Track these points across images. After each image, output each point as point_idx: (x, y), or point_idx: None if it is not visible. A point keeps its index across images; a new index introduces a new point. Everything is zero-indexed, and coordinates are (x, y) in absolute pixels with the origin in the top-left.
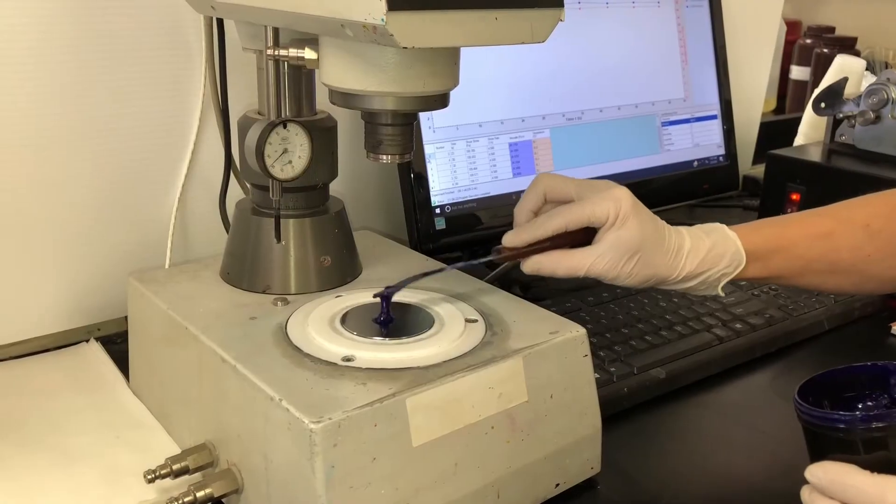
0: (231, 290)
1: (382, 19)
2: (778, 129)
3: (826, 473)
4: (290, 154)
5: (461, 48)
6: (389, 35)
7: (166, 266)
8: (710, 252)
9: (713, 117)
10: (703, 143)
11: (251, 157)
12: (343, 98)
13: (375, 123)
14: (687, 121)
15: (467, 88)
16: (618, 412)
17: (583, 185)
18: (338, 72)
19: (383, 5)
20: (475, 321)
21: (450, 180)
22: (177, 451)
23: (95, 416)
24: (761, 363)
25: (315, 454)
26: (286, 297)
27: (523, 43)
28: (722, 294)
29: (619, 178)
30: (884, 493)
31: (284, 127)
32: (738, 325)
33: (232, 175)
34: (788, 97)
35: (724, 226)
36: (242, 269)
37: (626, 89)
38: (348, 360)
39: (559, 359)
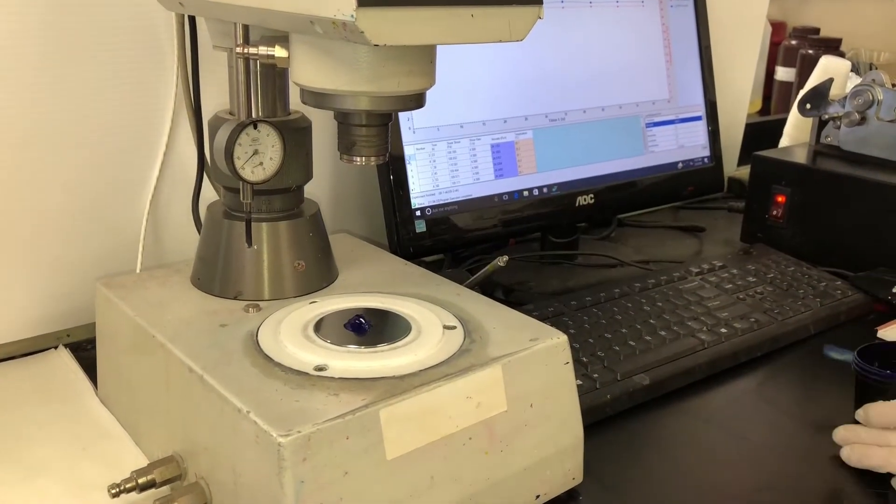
0: (202, 296)
1: (352, 15)
2: (763, 131)
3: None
4: (262, 155)
5: (437, 46)
6: (360, 32)
7: (137, 270)
8: None
9: (698, 118)
10: (688, 144)
11: (220, 159)
12: (315, 98)
13: (349, 124)
14: (672, 122)
15: (448, 89)
16: (600, 420)
17: None
18: (309, 71)
19: (353, 1)
20: (453, 328)
21: (430, 182)
22: (145, 462)
23: (61, 426)
24: (747, 368)
25: (283, 469)
26: (258, 303)
27: (501, 41)
28: None
29: (602, 180)
30: None
31: (255, 127)
32: (724, 330)
33: (206, 177)
34: (774, 98)
35: None
36: (213, 275)
37: (609, 90)
38: (321, 369)
39: (540, 367)
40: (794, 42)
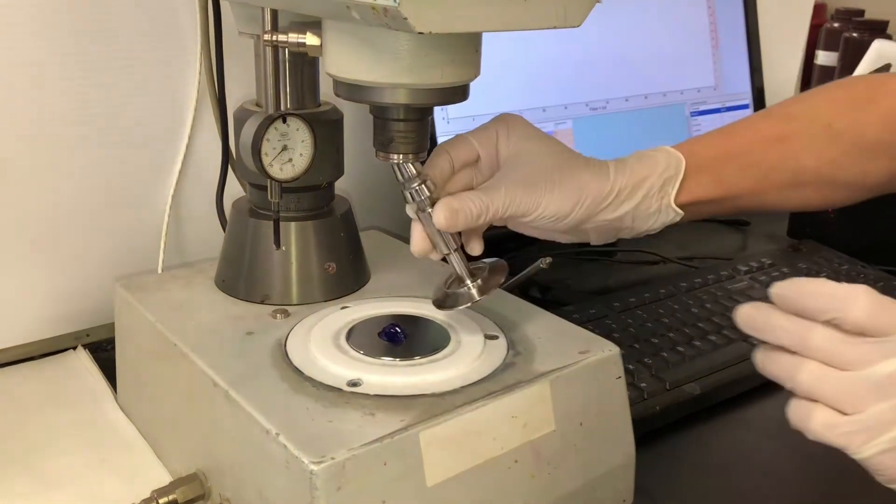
0: (226, 299)
1: (395, 0)
2: None
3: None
4: (291, 151)
5: (484, 34)
6: (403, 18)
7: (159, 270)
8: (638, 161)
9: (745, 107)
10: None
11: (247, 156)
12: (349, 90)
13: (386, 119)
14: (717, 110)
15: (484, 76)
16: (648, 432)
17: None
18: (343, 60)
19: None
20: (495, 338)
21: None
22: (166, 477)
23: (79, 434)
24: None
25: (316, 498)
26: (286, 308)
27: (555, 27)
28: (679, 212)
29: None
30: (852, 293)
31: (284, 121)
32: None
33: (231, 171)
34: (813, 84)
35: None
36: (239, 277)
37: (653, 77)
38: (354, 384)
39: (590, 382)
40: (836, 25)
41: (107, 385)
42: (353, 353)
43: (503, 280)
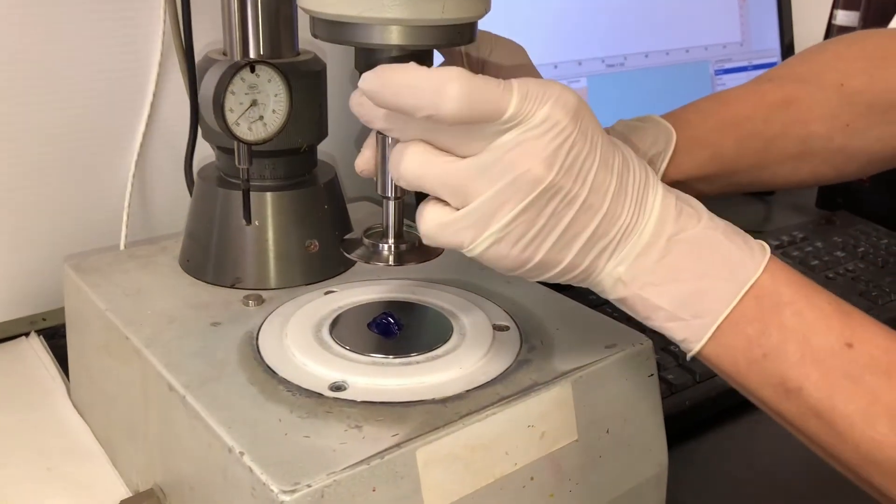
0: (192, 283)
1: None
2: None
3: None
4: (261, 108)
5: None
6: None
7: (121, 246)
8: (620, 132)
9: (773, 65)
10: None
11: (208, 112)
12: (328, 29)
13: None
14: (744, 69)
15: (488, 26)
16: (677, 432)
17: None
18: None
19: None
20: (506, 328)
21: None
22: (123, 491)
23: (25, 437)
24: None
25: None
26: (260, 293)
27: None
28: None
29: None
30: (442, 85)
31: (252, 70)
32: None
33: (201, 132)
34: None
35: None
36: (206, 257)
37: (675, 31)
38: (338, 388)
39: (619, 382)
40: None
41: (61, 379)
42: (337, 348)
43: (428, 259)
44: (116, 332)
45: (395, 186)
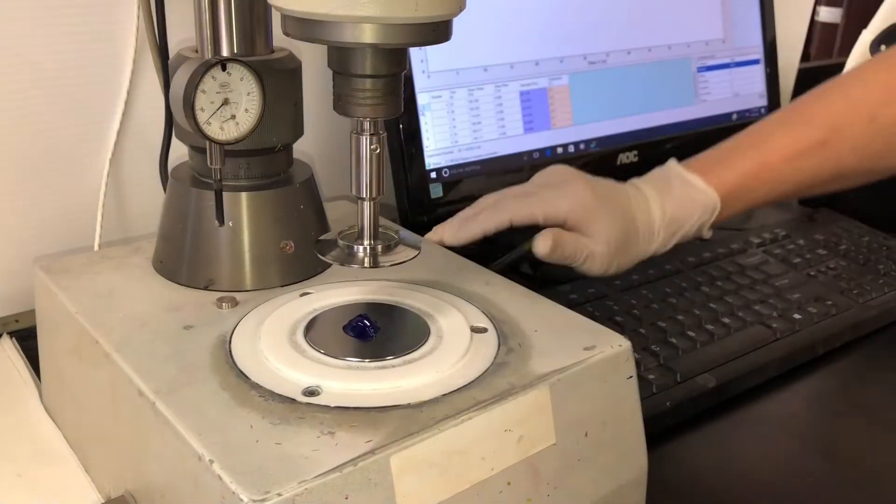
0: (165, 284)
1: None
2: (814, 78)
3: None
4: (233, 106)
5: None
6: None
7: (96, 247)
8: (677, 205)
9: (755, 62)
10: (744, 92)
11: (178, 112)
12: (300, 27)
13: (348, 72)
14: (727, 65)
15: (469, 24)
16: (657, 433)
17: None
18: None
19: None
20: (484, 330)
21: (448, 137)
22: (94, 497)
23: None
24: (825, 362)
25: None
26: (234, 295)
27: None
28: (708, 235)
29: (647, 135)
30: None
31: (223, 69)
32: (797, 315)
33: (175, 131)
34: (814, 42)
35: (679, 167)
36: (179, 258)
37: (657, 28)
38: (312, 393)
39: (597, 384)
40: None
41: (33, 382)
42: (311, 352)
43: (405, 261)
44: (86, 335)
45: (371, 186)
